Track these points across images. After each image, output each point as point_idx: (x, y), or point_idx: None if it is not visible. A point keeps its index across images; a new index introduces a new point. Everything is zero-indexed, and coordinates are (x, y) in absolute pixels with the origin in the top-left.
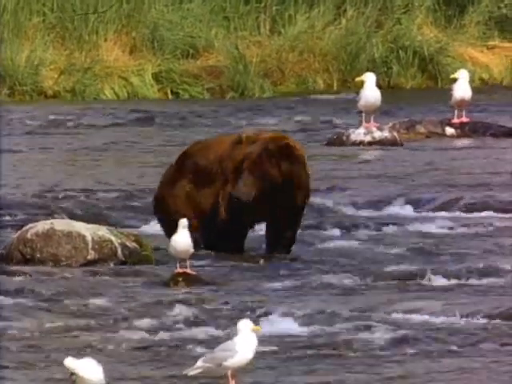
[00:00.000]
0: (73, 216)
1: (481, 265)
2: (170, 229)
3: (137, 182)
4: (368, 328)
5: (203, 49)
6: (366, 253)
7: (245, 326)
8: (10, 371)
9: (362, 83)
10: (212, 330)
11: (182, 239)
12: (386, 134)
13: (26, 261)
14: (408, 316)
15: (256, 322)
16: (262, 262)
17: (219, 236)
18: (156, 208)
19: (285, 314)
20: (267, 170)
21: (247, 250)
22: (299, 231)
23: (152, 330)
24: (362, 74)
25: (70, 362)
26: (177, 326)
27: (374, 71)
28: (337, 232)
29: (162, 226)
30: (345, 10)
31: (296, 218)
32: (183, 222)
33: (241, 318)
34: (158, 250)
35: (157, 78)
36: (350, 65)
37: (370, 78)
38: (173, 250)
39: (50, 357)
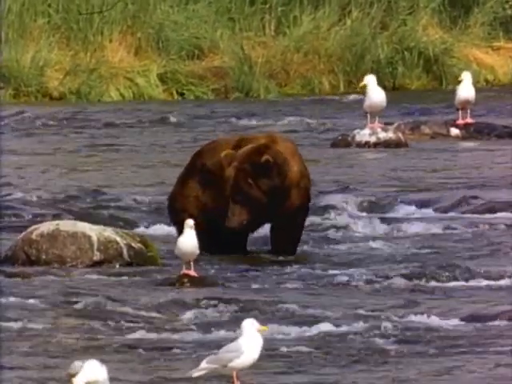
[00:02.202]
0: (78, 217)
1: (487, 265)
2: (181, 228)
3: (142, 182)
4: (370, 328)
5: (208, 49)
6: (370, 253)
7: (250, 325)
8: (15, 371)
9: (365, 87)
10: (217, 331)
11: (188, 240)
12: (390, 134)
13: (31, 262)
14: (409, 316)
15: (261, 322)
16: (266, 262)
17: (222, 238)
18: (169, 207)
19: (289, 315)
20: (248, 193)
21: (252, 251)
22: (304, 232)
23: (157, 331)
24: (367, 75)
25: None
26: (182, 327)
27: (378, 72)
28: (341, 232)
29: (174, 224)
30: (350, 11)
31: (298, 218)
32: (189, 223)
33: (245, 318)
34: (164, 251)
35: (162, 78)
36: (355, 66)
37: (371, 80)
38: (178, 251)
39: (55, 357)
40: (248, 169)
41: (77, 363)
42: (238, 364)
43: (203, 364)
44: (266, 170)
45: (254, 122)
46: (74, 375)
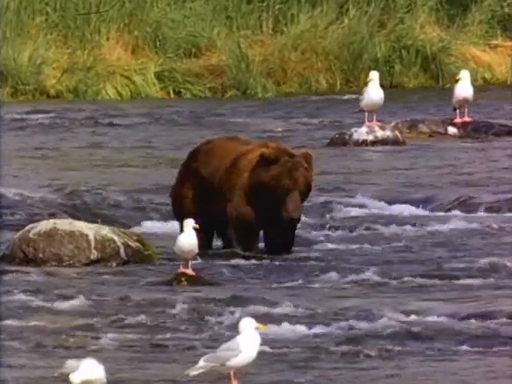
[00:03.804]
0: (75, 215)
1: (483, 264)
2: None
3: (139, 181)
4: (369, 327)
5: (205, 48)
6: (368, 252)
7: (248, 324)
8: (12, 370)
9: (367, 82)
10: (214, 330)
11: (188, 239)
12: (388, 133)
13: (29, 260)
14: (409, 315)
15: (259, 321)
16: (264, 262)
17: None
18: (172, 205)
19: (287, 314)
20: (308, 180)
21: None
22: (301, 231)
23: (155, 330)
24: (364, 74)
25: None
26: (179, 325)
27: (376, 70)
28: (338, 231)
29: (178, 222)
30: (347, 9)
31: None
32: (189, 223)
33: (243, 317)
34: (161, 249)
35: (159, 76)
36: (352, 64)
37: (375, 77)
38: (178, 249)
39: (51, 356)
40: (304, 163)
41: (70, 362)
42: (236, 363)
43: (201, 362)
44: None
45: (250, 121)
46: (67, 374)
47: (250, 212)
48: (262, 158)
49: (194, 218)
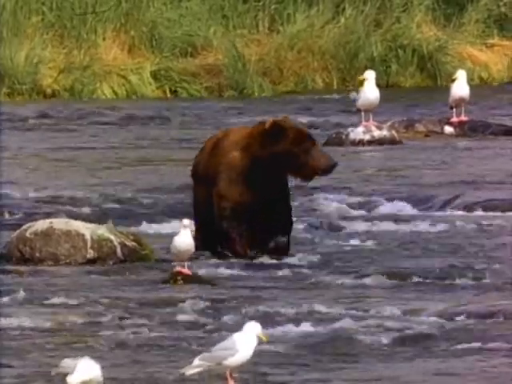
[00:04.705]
0: (72, 215)
1: (480, 264)
2: None
3: (137, 181)
4: (367, 327)
5: (202, 47)
6: (365, 252)
7: (251, 327)
8: (9, 370)
9: (362, 82)
10: (210, 329)
11: (184, 240)
12: (385, 132)
13: (26, 260)
14: (408, 315)
15: (256, 320)
16: (261, 261)
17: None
18: None
19: (284, 313)
20: None
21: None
22: (299, 231)
23: (151, 329)
24: (361, 73)
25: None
26: (176, 324)
27: (372, 70)
28: (336, 231)
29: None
30: (344, 9)
31: (287, 202)
32: (185, 222)
33: (238, 315)
34: (158, 249)
35: (155, 76)
36: (349, 63)
37: (370, 76)
38: (174, 249)
39: (49, 356)
40: None
41: (67, 361)
42: (232, 362)
43: (196, 361)
44: None
45: (247, 120)
46: (65, 373)
47: (239, 193)
48: (273, 127)
49: (197, 215)
